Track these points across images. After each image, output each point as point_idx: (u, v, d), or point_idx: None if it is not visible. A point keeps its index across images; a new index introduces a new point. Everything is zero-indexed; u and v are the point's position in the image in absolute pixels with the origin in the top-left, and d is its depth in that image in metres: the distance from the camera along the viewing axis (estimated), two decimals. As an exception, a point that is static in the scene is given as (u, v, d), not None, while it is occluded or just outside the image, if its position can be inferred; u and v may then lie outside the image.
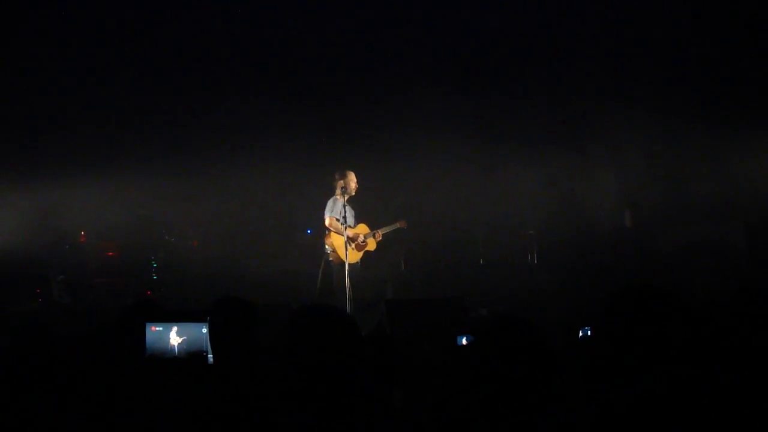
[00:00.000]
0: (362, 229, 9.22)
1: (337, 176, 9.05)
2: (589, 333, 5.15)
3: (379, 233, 9.25)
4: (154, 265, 11.02)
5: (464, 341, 5.34)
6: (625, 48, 10.46)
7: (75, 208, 10.68)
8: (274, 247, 10.93)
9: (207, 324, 3.72)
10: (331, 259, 9.04)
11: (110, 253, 11.06)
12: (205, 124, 11.09)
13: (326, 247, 9.06)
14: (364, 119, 10.92)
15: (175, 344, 3.85)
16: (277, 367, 3.09)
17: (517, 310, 8.79)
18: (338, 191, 9.00)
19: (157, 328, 3.84)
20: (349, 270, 8.73)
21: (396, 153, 10.76)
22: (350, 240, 8.92)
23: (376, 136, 10.83)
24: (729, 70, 10.05)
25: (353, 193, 9.05)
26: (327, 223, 9.01)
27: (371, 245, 9.24)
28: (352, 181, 9.05)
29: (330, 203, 9.06)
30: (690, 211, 10.24)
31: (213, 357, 3.60)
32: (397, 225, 9.41)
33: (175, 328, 3.85)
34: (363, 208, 9.29)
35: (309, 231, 9.77)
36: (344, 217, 8.85)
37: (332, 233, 9.03)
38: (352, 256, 8.95)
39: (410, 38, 10.73)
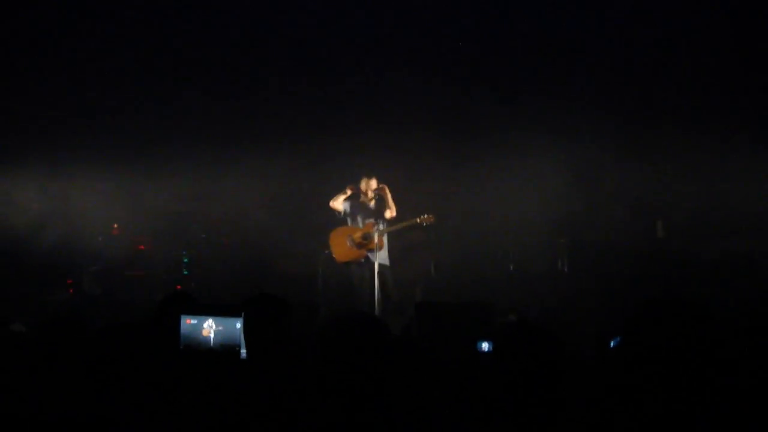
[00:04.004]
0: (368, 227, 9.03)
1: (358, 182, 9.12)
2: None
3: (382, 230, 8.96)
4: (185, 260, 11.09)
5: (485, 346, 5.33)
6: (656, 55, 10.37)
7: (109, 201, 10.77)
8: (304, 248, 10.94)
9: (241, 319, 3.77)
10: (333, 256, 9.15)
11: (142, 247, 11.15)
12: (242, 122, 11.13)
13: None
14: (395, 117, 10.87)
15: (210, 337, 3.89)
16: (307, 366, 3.11)
17: (546, 318, 8.76)
18: (361, 196, 9.07)
19: (192, 321, 3.88)
20: (379, 270, 8.76)
21: (429, 155, 10.72)
22: (352, 239, 8.96)
23: (405, 136, 10.78)
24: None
25: (365, 197, 9.04)
26: (330, 204, 9.14)
27: (372, 245, 8.90)
28: (367, 185, 9.05)
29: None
30: (725, 223, 10.11)
31: (246, 352, 3.64)
32: (416, 221, 8.98)
33: (209, 321, 3.89)
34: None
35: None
36: (375, 217, 8.91)
37: (332, 232, 9.13)
38: (348, 254, 8.99)
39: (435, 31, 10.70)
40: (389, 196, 9.00)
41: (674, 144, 10.37)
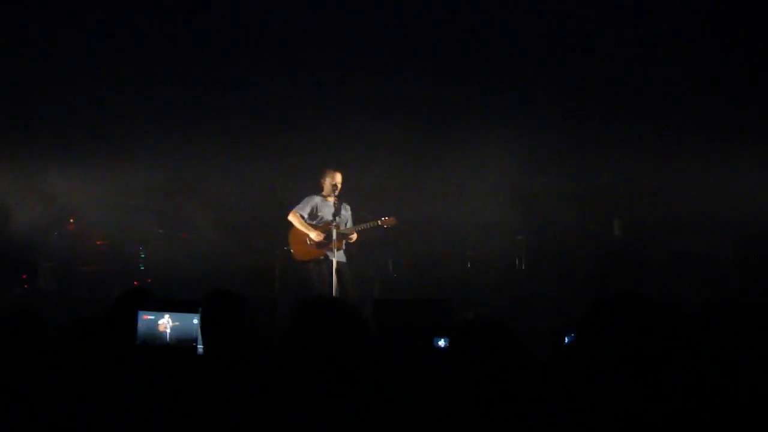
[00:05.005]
0: (327, 226, 8.98)
1: (323, 174, 9.12)
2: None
3: (348, 229, 8.97)
4: (142, 255, 10.98)
5: (441, 343, 5.37)
6: (617, 52, 10.46)
7: (65, 195, 10.62)
8: (264, 243, 10.90)
9: (197, 315, 3.76)
10: (293, 254, 9.16)
11: (98, 242, 11.01)
12: (198, 118, 11.05)
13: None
14: (354, 114, 10.87)
15: (167, 332, 3.88)
16: (273, 359, 3.09)
17: (503, 315, 8.82)
18: (325, 189, 9.07)
19: (149, 317, 3.87)
20: (337, 267, 8.76)
21: (386, 151, 10.72)
22: (310, 238, 8.97)
23: (365, 132, 10.77)
24: (724, 82, 10.06)
25: (333, 192, 9.03)
26: (289, 216, 9.11)
27: (331, 244, 8.84)
28: (333, 179, 9.05)
29: (305, 200, 9.14)
30: (680, 223, 10.25)
31: (203, 347, 3.63)
32: (378, 223, 8.97)
33: (166, 317, 3.88)
34: (354, 206, 9.26)
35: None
36: (334, 215, 8.90)
37: (291, 229, 9.11)
38: (307, 253, 8.99)
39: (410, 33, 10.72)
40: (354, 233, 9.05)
41: (632, 142, 10.50)
